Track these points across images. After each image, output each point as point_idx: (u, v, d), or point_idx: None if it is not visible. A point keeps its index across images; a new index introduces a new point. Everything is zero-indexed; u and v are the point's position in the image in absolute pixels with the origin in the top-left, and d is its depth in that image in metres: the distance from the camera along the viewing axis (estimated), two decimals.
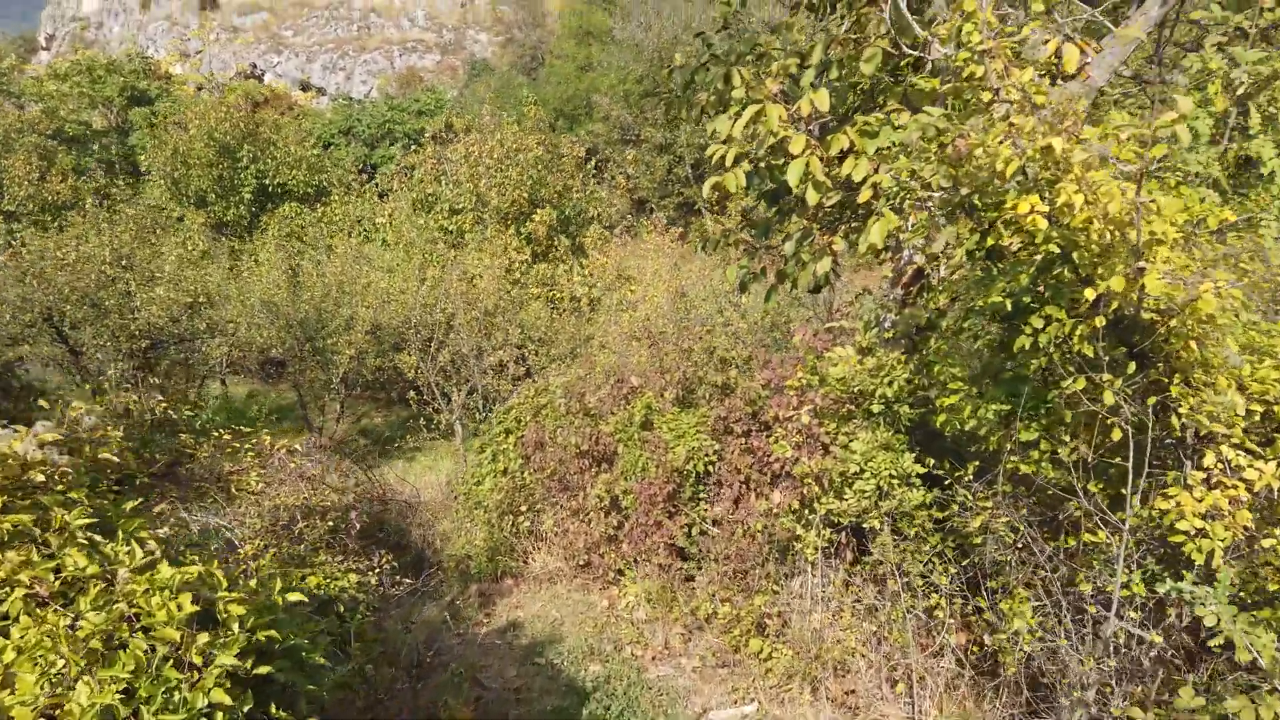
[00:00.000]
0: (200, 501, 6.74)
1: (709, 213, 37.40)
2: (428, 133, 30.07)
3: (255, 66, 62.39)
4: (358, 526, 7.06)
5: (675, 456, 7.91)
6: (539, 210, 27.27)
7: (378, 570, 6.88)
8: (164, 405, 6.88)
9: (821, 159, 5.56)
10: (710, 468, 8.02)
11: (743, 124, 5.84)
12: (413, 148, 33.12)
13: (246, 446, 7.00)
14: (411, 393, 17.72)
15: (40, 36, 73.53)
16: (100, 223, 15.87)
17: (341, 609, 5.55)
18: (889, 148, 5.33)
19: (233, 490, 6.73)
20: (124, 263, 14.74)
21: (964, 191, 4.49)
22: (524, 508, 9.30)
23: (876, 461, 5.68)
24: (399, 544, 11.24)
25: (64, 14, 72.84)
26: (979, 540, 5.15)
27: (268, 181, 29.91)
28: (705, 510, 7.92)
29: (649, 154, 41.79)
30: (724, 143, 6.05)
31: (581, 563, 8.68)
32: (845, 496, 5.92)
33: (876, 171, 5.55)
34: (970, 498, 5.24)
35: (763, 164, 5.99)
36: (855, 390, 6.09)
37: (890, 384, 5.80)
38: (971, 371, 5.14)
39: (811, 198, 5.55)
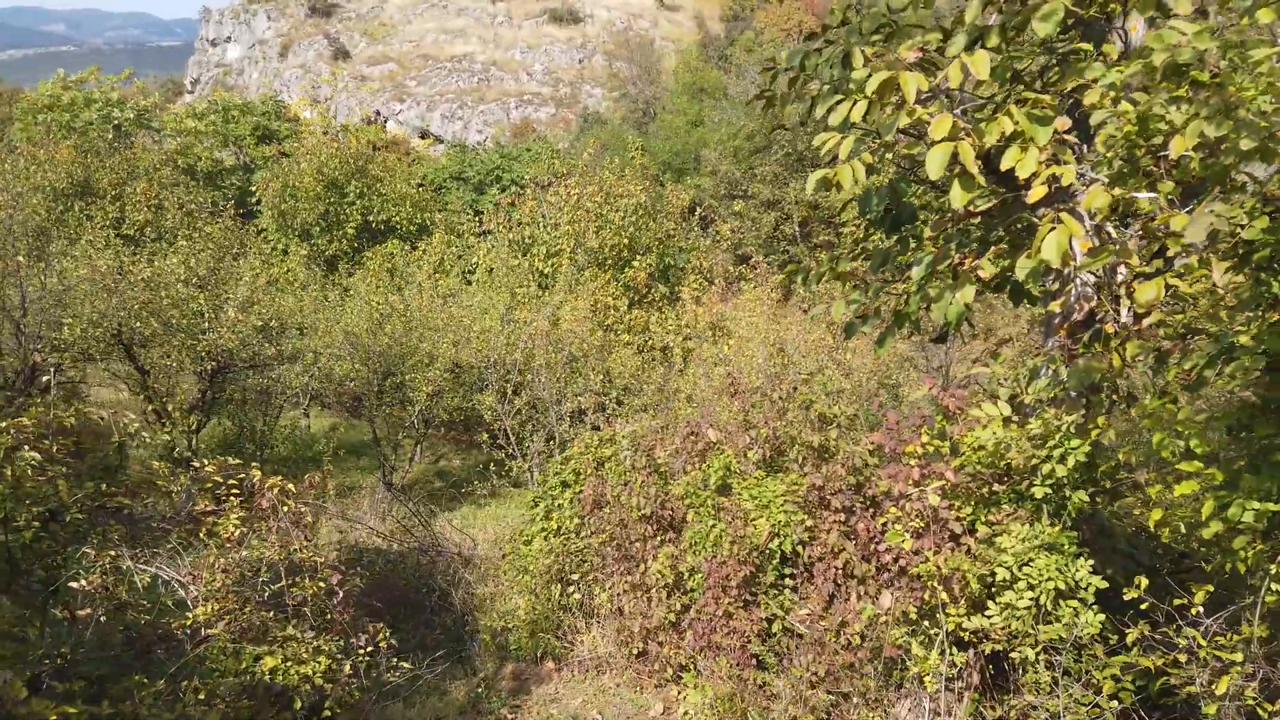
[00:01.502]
0: (155, 546, 5.61)
1: (802, 243, 35.70)
2: (528, 175, 29.66)
3: (379, 114, 64.54)
4: (339, 594, 5.77)
5: (756, 531, 6.41)
6: (639, 257, 26.35)
7: (365, 651, 5.59)
8: (136, 425, 5.78)
9: (974, 149, 4.08)
10: (799, 549, 6.47)
11: (864, 106, 4.45)
12: (512, 189, 32.88)
13: (230, 483, 5.86)
14: (485, 436, 16.66)
15: (186, 80, 78.44)
16: (180, 240, 15.52)
17: (299, 706, 4.26)
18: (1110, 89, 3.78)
19: (203, 535, 5.58)
20: (198, 282, 14.23)
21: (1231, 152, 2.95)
22: (575, 576, 7.89)
23: (1036, 566, 4.08)
24: (439, 604, 9.97)
25: (209, 60, 77.54)
26: (1212, 710, 3.46)
27: (372, 218, 29.98)
28: (790, 602, 6.35)
29: (755, 210, 40.74)
30: (839, 130, 4.64)
31: (636, 651, 7.19)
32: (988, 612, 4.31)
33: (1049, 165, 4.02)
34: (1202, 642, 3.56)
35: (889, 158, 4.55)
36: (1005, 465, 4.50)
37: (1063, 459, 4.19)
38: (1219, 449, 3.51)
39: (958, 198, 4.08)
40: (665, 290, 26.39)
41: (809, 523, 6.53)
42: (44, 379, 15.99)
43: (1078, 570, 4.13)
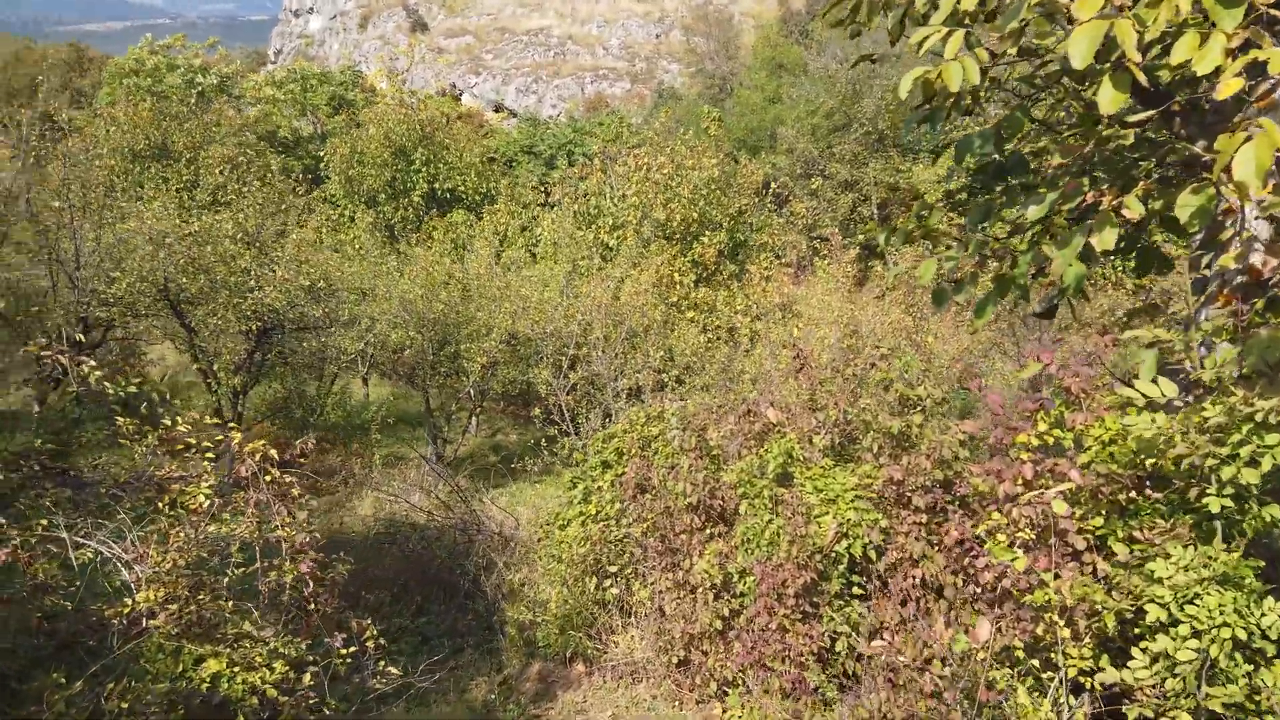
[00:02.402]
0: (99, 518, 4.87)
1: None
2: (596, 146, 28.78)
3: (454, 86, 64.31)
4: (309, 585, 4.94)
5: (820, 531, 5.44)
6: (708, 233, 25.32)
7: (344, 653, 4.79)
8: (96, 373, 5.02)
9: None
10: (872, 555, 5.48)
11: None
12: (581, 161, 32.08)
13: (205, 444, 5.11)
14: (537, 411, 15.91)
15: (270, 51, 79.55)
16: (230, 196, 15.08)
17: None
18: None
19: (164, 505, 4.83)
20: (246, 239, 13.74)
21: None
22: (613, 568, 7.02)
23: (1206, 606, 3.03)
24: (470, 590, 9.23)
25: (292, 32, 78.45)
26: None
27: (438, 186, 29.52)
28: (858, 618, 5.37)
29: (832, 190, 39.22)
30: (949, 24, 3.60)
31: (677, 660, 6.29)
32: (1132, 662, 3.28)
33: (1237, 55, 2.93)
34: None
35: (1014, 52, 3.52)
36: (1157, 464, 3.44)
37: (1254, 462, 3.12)
38: None
39: (1109, 99, 3.03)
40: (734, 269, 25.30)
41: (884, 524, 5.53)
42: (96, 333, 15.80)
43: (1265, 615, 3.08)
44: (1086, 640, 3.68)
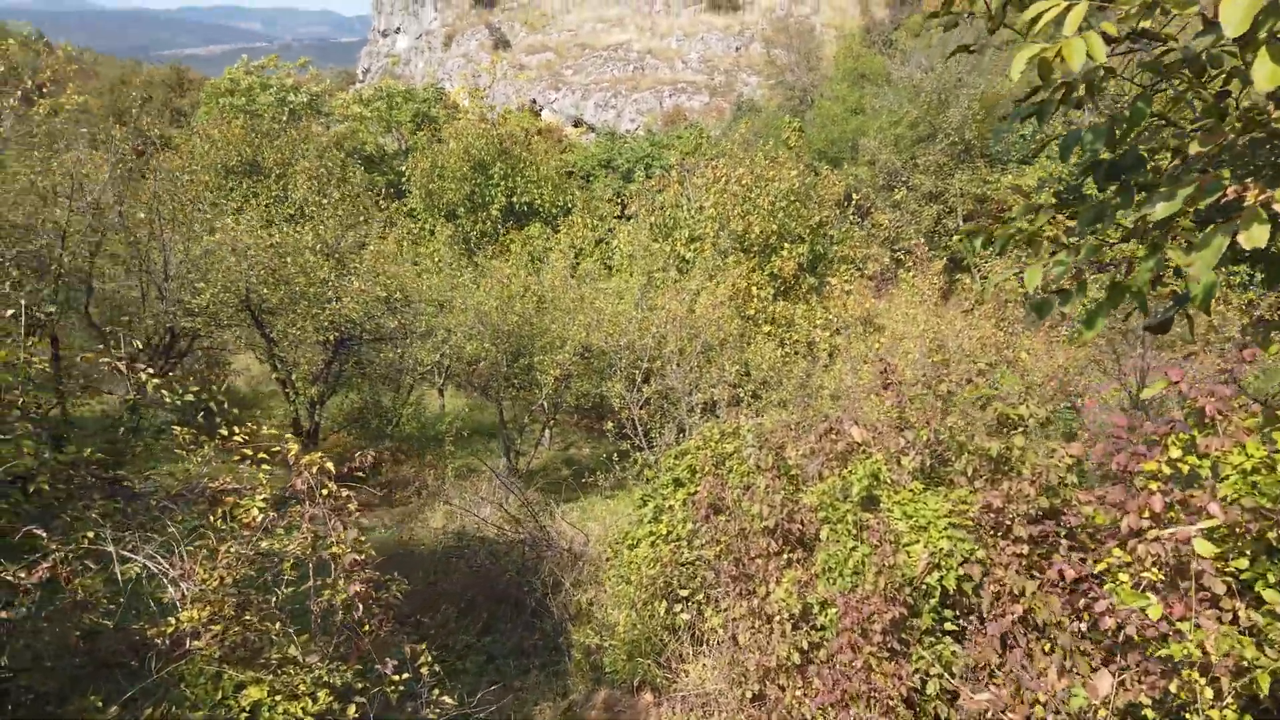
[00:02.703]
0: (149, 531, 4.69)
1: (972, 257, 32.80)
2: (671, 151, 28.55)
3: (535, 102, 65.12)
4: (359, 608, 4.65)
5: (909, 561, 4.99)
6: (787, 245, 24.82)
7: (396, 680, 4.52)
8: (152, 379, 4.87)
9: None
10: (966, 588, 5.00)
11: None
12: (658, 173, 31.92)
13: (260, 455, 4.93)
14: (610, 425, 15.68)
15: (359, 71, 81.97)
16: (310, 208, 15.29)
17: None
18: None
19: (214, 519, 4.65)
20: (325, 250, 13.87)
21: None
22: (684, 592, 6.66)
23: None
24: (538, 608, 8.97)
25: (380, 51, 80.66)
26: None
27: (515, 199, 29.71)
28: (950, 656, 4.89)
29: (916, 202, 38.23)
30: None
31: (752, 693, 5.89)
32: None
33: None
34: None
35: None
36: None
37: None
38: None
39: (1267, 76, 2.58)
40: (814, 282, 24.72)
41: (981, 555, 5.04)
42: (183, 343, 16.17)
43: None
44: (1230, 702, 3.18)
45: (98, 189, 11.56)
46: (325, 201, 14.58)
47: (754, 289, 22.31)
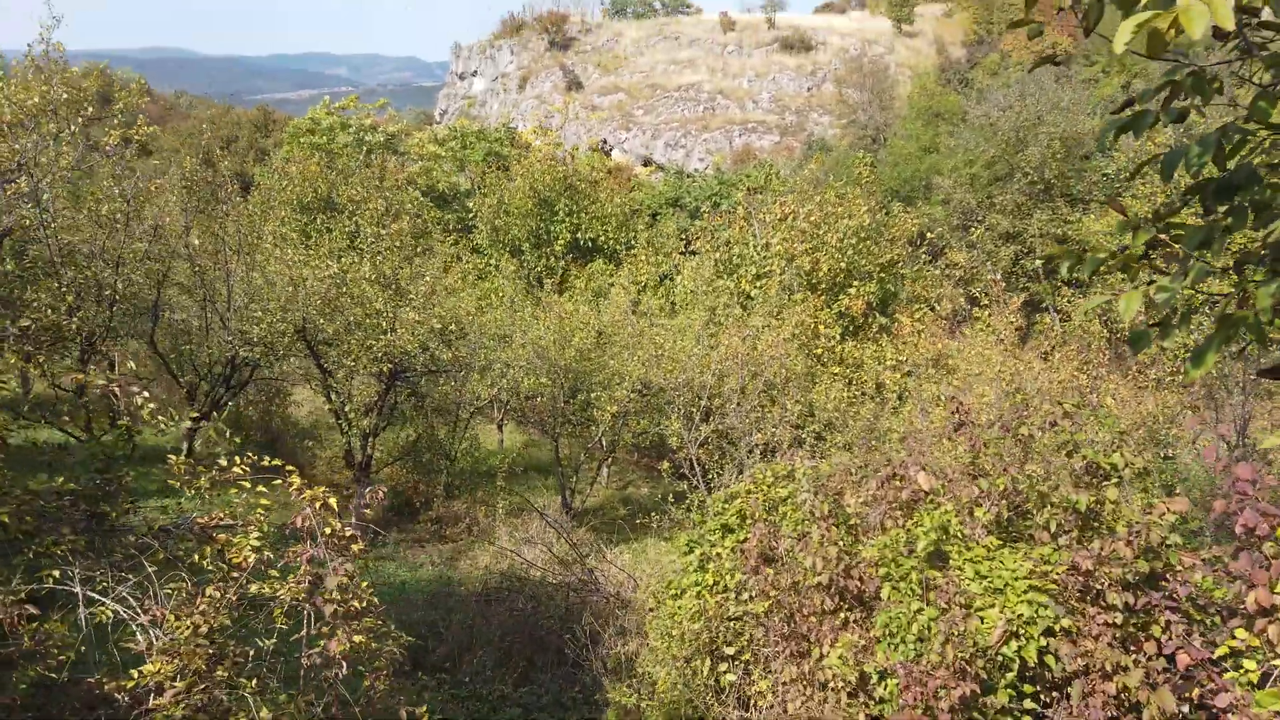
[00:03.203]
0: (125, 570, 4.24)
1: (1046, 279, 31.36)
2: (739, 189, 28.18)
3: (605, 142, 65.71)
4: (342, 667, 4.13)
5: (983, 628, 4.35)
6: (856, 283, 24.13)
7: None
8: (150, 405, 4.44)
9: None
10: (1050, 661, 4.33)
11: None
12: (724, 209, 31.58)
13: (259, 490, 4.53)
14: (665, 464, 15.16)
15: (436, 113, 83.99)
16: (368, 241, 15.27)
17: None
18: None
19: (203, 559, 4.23)
20: (383, 281, 13.76)
21: None
22: (730, 650, 6.07)
23: None
24: (579, 658, 8.43)
25: (457, 94, 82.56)
26: None
27: (580, 235, 29.66)
28: None
29: (992, 241, 37.08)
30: None
31: None
32: None
33: None
34: None
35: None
36: None
37: None
38: None
39: None
40: (884, 321, 23.93)
41: (1067, 623, 4.37)
42: (243, 373, 16.22)
43: None
44: None
45: (158, 214, 11.62)
46: (384, 232, 14.51)
47: (821, 327, 21.65)
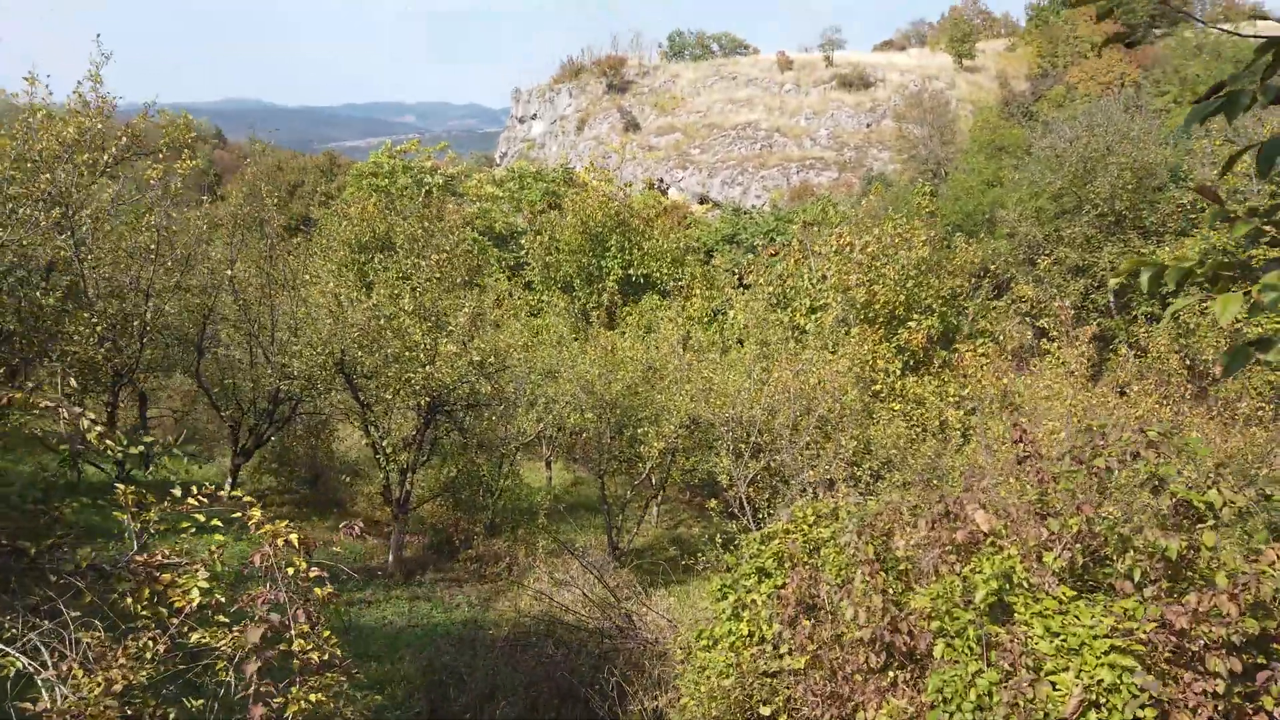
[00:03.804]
0: (43, 617, 3.72)
1: (1118, 315, 29.86)
2: (795, 225, 27.61)
3: (661, 180, 65.83)
4: None
5: (1055, 696, 3.65)
6: (916, 317, 23.27)
7: None
8: (97, 428, 3.90)
9: None
10: None
11: None
12: (778, 242, 31.01)
13: (214, 522, 4.02)
14: (713, 502, 14.51)
15: (496, 155, 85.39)
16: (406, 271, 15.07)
17: None
18: None
19: (139, 603, 3.69)
20: (423, 313, 13.49)
21: None
22: (766, 711, 5.41)
23: None
24: (608, 714, 7.79)
25: (516, 136, 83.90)
26: None
27: (632, 272, 29.35)
28: None
29: (1060, 275, 35.78)
30: None
31: None
32: None
33: None
34: None
35: None
36: None
37: None
38: None
39: None
40: (945, 356, 22.97)
41: (1159, 688, 3.64)
42: (284, 407, 16.08)
43: None
44: None
45: (188, 244, 11.53)
46: (422, 263, 14.30)
47: (880, 361, 20.84)
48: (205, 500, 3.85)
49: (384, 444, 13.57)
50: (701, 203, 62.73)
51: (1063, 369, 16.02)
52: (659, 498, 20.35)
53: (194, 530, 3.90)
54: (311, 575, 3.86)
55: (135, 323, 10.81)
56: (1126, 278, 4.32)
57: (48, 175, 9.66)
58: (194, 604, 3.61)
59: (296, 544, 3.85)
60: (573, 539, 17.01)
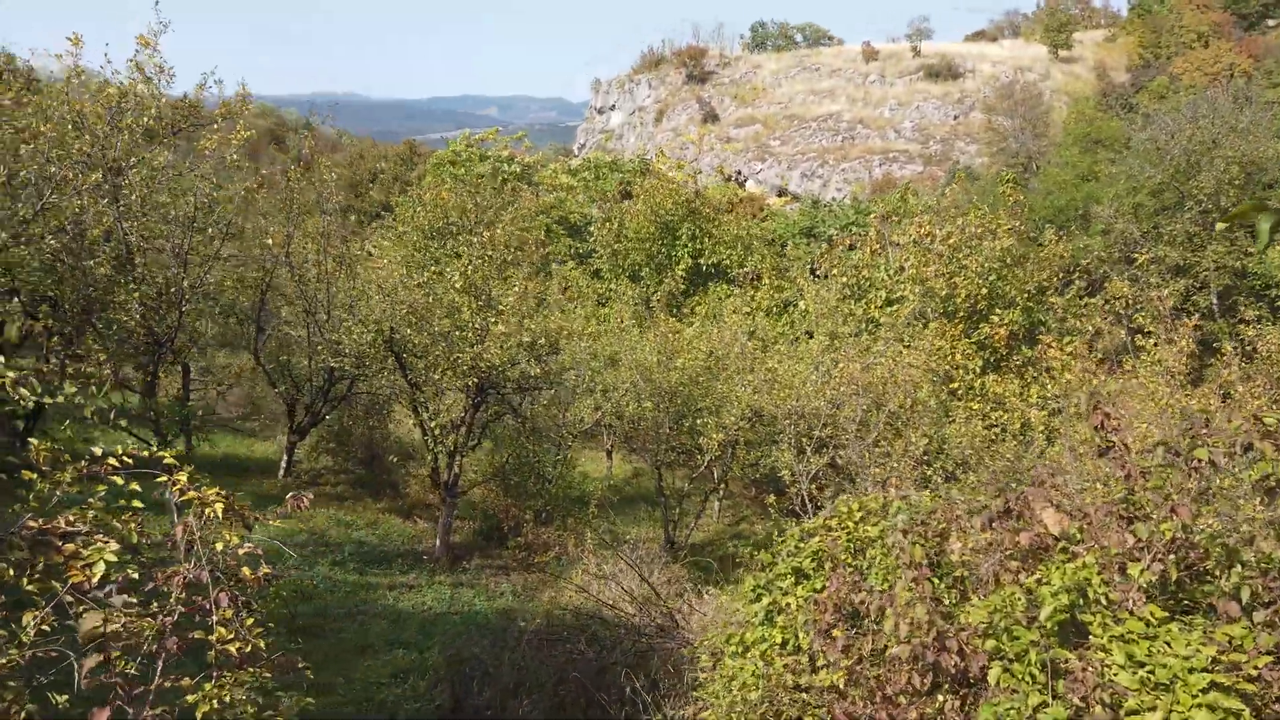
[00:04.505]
0: None
1: (1222, 318, 27.85)
2: (873, 215, 26.51)
3: (739, 173, 64.80)
4: None
5: None
6: (999, 311, 22.06)
7: None
8: (9, 374, 3.36)
9: None
10: None
11: None
12: (853, 232, 29.90)
13: (132, 488, 3.47)
14: (772, 499, 13.80)
15: (575, 147, 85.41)
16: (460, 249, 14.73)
17: None
18: None
19: (29, 579, 3.18)
20: (473, 291, 13.10)
21: None
22: None
23: None
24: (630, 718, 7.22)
25: (595, 128, 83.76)
26: None
27: (703, 260, 28.67)
28: None
29: (1159, 275, 33.76)
30: None
31: None
32: None
33: None
34: None
35: None
36: None
37: None
38: None
39: None
40: (1030, 354, 21.70)
41: None
42: (340, 386, 15.94)
43: None
44: None
45: (233, 211, 11.34)
46: (475, 240, 13.91)
47: (958, 357, 19.73)
48: (130, 461, 3.38)
49: (432, 425, 13.25)
50: (780, 195, 61.50)
51: (1159, 368, 14.75)
52: (720, 492, 19.67)
53: (111, 497, 3.40)
54: (242, 553, 3.35)
55: (173, 290, 10.68)
56: (1238, 222, 3.52)
57: (87, 137, 9.57)
58: (94, 580, 3.11)
59: (220, 514, 3.34)
60: (626, 531, 16.47)
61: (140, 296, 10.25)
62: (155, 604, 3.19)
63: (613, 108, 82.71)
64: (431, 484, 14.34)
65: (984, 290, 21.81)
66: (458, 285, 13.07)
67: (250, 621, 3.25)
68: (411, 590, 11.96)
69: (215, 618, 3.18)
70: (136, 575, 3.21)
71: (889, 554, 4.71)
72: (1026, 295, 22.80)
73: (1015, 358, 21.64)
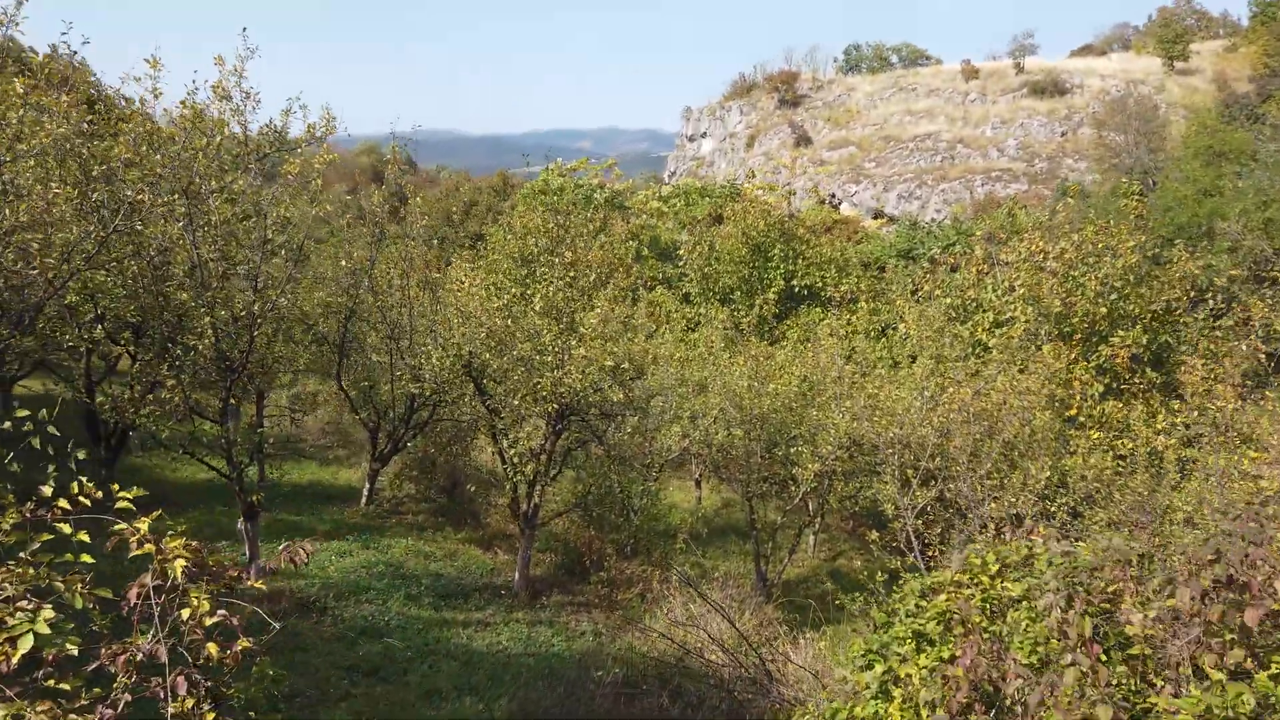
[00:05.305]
0: None
1: None
2: (979, 232, 25.04)
3: (834, 196, 63.28)
4: None
5: None
6: (1121, 333, 20.39)
7: None
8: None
9: None
10: None
11: None
12: (957, 250, 28.38)
13: (80, 537, 2.76)
14: (874, 535, 12.72)
15: (666, 174, 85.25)
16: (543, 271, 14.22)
17: None
18: None
19: None
20: (555, 314, 12.51)
21: None
22: None
23: None
24: None
25: (686, 155, 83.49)
26: None
27: (795, 282, 27.64)
28: None
29: None
30: None
31: None
32: None
33: None
34: None
35: None
36: None
37: None
38: None
39: None
40: (1156, 378, 19.91)
41: None
42: (422, 413, 15.55)
43: None
44: None
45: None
46: (555, 260, 13.35)
47: (1077, 383, 18.17)
48: (87, 502, 2.73)
49: (510, 453, 12.66)
50: (876, 217, 59.77)
51: None
52: (815, 525, 18.56)
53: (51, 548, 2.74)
54: (207, 623, 2.65)
55: (244, 314, 10.41)
56: None
57: (160, 158, 9.40)
58: (13, 661, 2.42)
59: (181, 575, 2.62)
60: (715, 565, 15.53)
61: (213, 321, 10.01)
62: (95, 690, 2.53)
63: (704, 135, 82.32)
64: (511, 514, 13.74)
65: (1103, 310, 20.19)
66: (538, 308, 12.51)
67: (211, 717, 2.55)
68: (487, 628, 11.31)
69: (171, 709, 2.50)
70: (76, 652, 2.55)
71: (1038, 619, 3.75)
72: (1151, 315, 21.03)
73: (1138, 380, 19.90)
